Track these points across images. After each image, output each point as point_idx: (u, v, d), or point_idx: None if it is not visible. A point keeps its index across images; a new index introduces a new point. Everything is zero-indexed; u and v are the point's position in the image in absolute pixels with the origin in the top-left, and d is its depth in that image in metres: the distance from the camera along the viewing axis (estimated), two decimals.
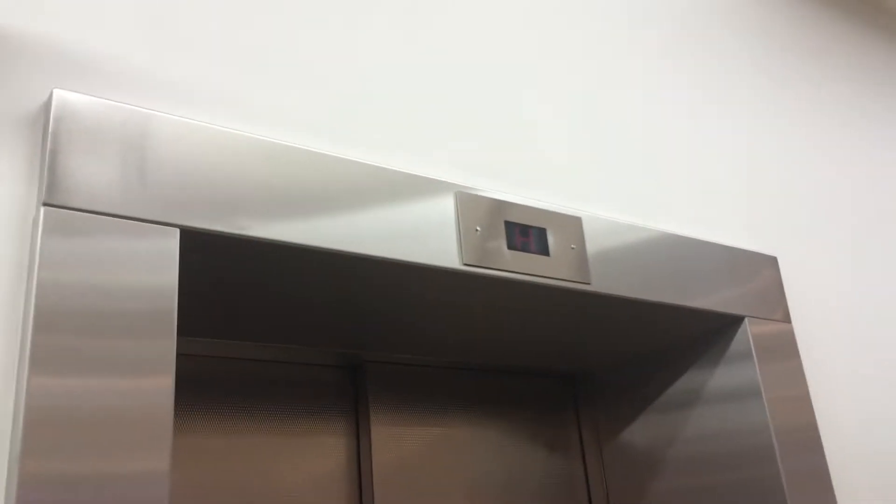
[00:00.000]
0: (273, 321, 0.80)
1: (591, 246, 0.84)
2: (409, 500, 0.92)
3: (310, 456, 0.88)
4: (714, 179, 1.08)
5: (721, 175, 1.10)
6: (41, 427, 0.50)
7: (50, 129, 0.56)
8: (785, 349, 1.00)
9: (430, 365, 1.01)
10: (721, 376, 0.98)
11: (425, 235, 0.72)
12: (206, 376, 0.84)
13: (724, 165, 1.11)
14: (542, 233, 0.79)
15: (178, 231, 0.59)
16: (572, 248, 0.81)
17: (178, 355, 0.63)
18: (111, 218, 0.56)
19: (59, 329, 0.52)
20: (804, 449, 0.94)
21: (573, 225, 0.83)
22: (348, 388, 0.94)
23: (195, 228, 0.60)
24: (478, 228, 0.75)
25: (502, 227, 0.77)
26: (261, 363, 0.89)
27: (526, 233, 0.78)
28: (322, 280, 0.72)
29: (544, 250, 0.78)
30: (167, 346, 0.56)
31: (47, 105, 0.58)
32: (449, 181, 0.77)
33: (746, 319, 0.96)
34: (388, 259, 0.69)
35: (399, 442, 0.94)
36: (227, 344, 0.84)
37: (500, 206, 0.78)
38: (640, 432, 1.06)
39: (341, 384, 0.94)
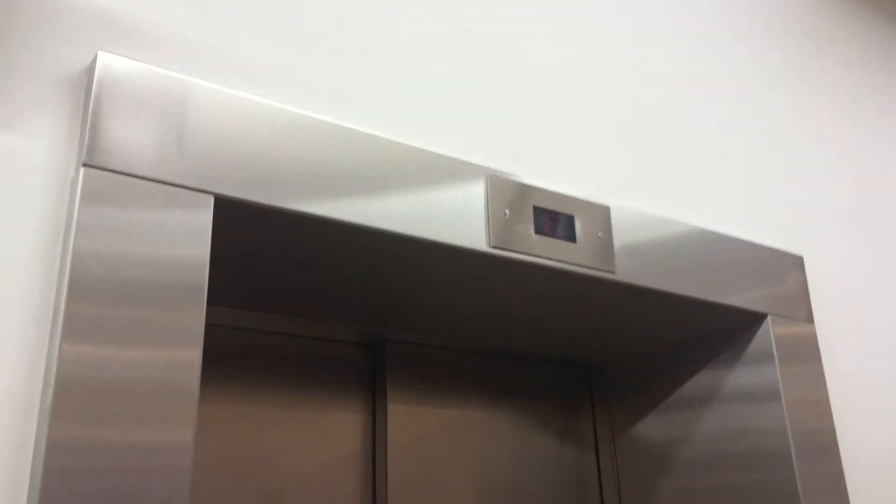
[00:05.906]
0: (300, 294, 0.80)
1: (618, 235, 0.83)
2: (421, 480, 0.92)
3: (327, 430, 0.88)
4: (744, 176, 1.07)
5: (751, 173, 1.09)
6: (70, 394, 0.50)
7: (93, 92, 0.56)
8: (807, 351, 0.99)
9: (449, 347, 1.01)
10: (740, 375, 0.97)
11: (455, 216, 0.72)
12: (230, 347, 0.85)
13: (754, 163, 1.10)
14: (569, 219, 0.79)
15: (212, 199, 0.59)
16: (599, 237, 0.81)
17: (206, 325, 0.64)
18: (148, 182, 0.56)
19: (93, 297, 0.52)
20: (821, 453, 0.94)
21: (601, 213, 0.82)
22: (368, 366, 0.94)
23: (229, 197, 0.60)
24: (507, 212, 0.75)
25: (531, 211, 0.77)
26: (284, 336, 0.89)
27: (554, 219, 0.77)
28: (350, 256, 0.72)
29: (571, 237, 0.78)
30: (197, 318, 0.56)
31: (91, 68, 0.57)
32: (481, 164, 0.76)
33: (769, 318, 0.95)
34: (415, 238, 0.69)
35: (415, 422, 0.94)
36: (251, 315, 0.84)
37: (529, 190, 0.78)
38: (655, 428, 1.06)
39: (361, 362, 0.94)
